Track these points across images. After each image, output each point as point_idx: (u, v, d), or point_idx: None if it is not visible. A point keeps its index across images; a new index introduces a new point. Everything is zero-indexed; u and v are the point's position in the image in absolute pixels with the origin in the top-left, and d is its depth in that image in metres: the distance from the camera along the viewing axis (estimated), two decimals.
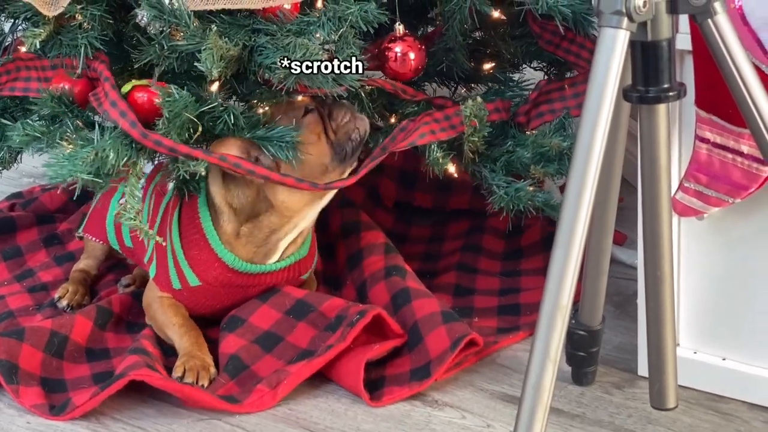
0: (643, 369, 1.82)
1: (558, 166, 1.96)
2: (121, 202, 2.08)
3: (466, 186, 2.16)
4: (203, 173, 1.82)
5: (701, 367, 1.78)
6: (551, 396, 1.32)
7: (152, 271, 2.01)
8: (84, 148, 1.72)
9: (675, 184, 1.70)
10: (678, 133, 1.69)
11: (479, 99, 1.94)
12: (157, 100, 1.76)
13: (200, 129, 1.77)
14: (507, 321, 2.03)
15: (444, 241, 2.34)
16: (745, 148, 1.61)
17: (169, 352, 1.95)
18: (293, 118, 1.90)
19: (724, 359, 1.78)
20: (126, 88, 1.82)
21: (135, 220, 1.79)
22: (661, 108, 1.38)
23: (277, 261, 1.99)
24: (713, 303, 1.77)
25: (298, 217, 1.96)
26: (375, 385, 1.86)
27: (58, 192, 2.48)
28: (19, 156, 2.15)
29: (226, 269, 1.96)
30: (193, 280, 1.97)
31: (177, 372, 1.85)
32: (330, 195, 1.97)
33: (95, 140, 1.73)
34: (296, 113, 1.92)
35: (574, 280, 1.30)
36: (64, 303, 2.10)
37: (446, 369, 1.86)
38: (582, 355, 1.79)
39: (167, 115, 1.74)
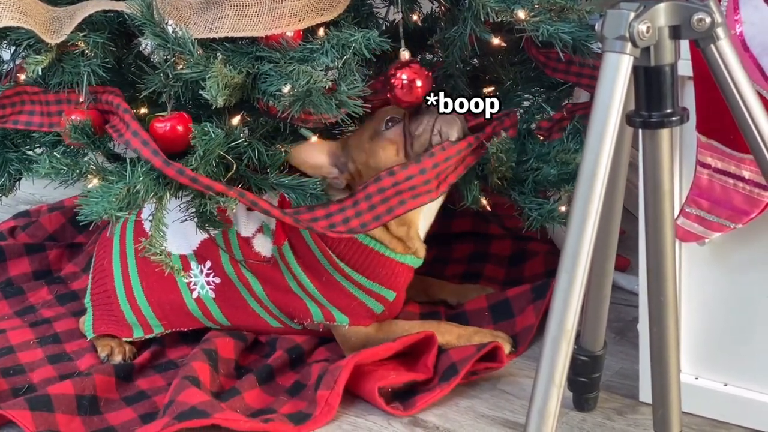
0: (644, 395, 1.82)
1: None
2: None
3: (467, 209, 2.15)
4: (234, 210, 1.81)
5: (703, 393, 1.78)
6: (556, 421, 1.32)
7: (343, 319, 1.99)
8: (117, 184, 1.71)
9: (676, 210, 1.70)
10: (679, 158, 1.70)
11: (503, 134, 1.90)
12: (192, 139, 1.75)
13: (234, 167, 1.79)
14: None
15: (447, 264, 2.34)
16: (746, 174, 1.62)
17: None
18: (375, 129, 1.92)
19: (725, 385, 1.78)
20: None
21: (161, 255, 1.78)
22: (665, 133, 1.38)
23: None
24: (714, 328, 1.77)
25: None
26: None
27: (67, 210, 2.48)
28: (18, 183, 2.15)
29: (407, 269, 2.01)
30: (390, 295, 2.00)
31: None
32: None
33: (127, 176, 1.72)
34: (378, 125, 1.93)
35: (578, 304, 1.30)
36: (118, 358, 2.02)
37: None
38: (584, 380, 1.79)
39: (200, 153, 1.74)
